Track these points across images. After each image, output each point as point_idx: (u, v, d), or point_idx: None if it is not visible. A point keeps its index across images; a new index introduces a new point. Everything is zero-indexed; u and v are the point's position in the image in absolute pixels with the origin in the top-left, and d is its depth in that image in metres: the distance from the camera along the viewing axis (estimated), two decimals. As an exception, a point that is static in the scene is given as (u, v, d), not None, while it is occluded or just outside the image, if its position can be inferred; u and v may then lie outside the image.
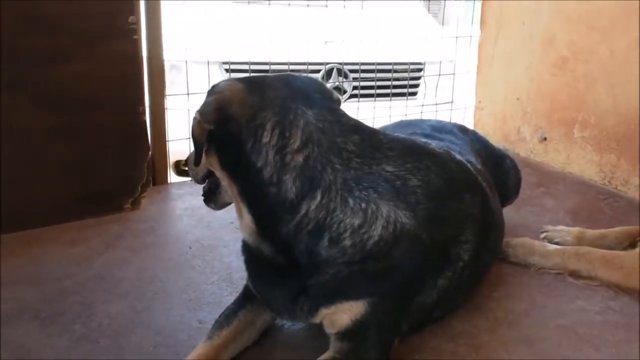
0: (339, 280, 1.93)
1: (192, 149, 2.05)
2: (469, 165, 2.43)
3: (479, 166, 2.59)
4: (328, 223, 1.90)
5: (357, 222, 1.92)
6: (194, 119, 1.94)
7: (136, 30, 3.20)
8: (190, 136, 2.00)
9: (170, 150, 3.73)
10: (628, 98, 3.69)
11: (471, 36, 5.02)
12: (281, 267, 1.99)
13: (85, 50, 3.07)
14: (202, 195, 2.30)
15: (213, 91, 2.01)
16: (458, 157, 2.40)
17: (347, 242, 1.91)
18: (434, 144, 2.40)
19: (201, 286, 2.60)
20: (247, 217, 1.99)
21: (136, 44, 3.24)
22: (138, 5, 3.29)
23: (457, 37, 5.09)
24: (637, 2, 3.55)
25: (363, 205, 1.93)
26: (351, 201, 1.92)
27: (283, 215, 1.91)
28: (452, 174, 2.23)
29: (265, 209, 1.94)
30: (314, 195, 1.90)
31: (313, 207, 1.90)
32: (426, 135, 2.68)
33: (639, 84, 3.57)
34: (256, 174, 1.90)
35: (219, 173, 2.05)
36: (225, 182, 2.04)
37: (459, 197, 2.22)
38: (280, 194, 1.89)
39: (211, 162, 2.03)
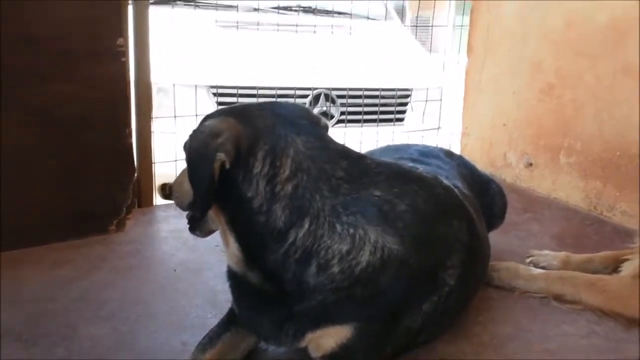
0: (326, 306, 1.93)
1: (178, 173, 2.04)
2: (455, 190, 2.43)
3: (465, 191, 2.59)
4: (316, 250, 1.90)
5: (345, 248, 1.91)
6: (217, 160, 1.85)
7: (124, 53, 3.20)
8: (196, 178, 1.90)
9: (156, 173, 3.71)
10: (614, 124, 3.72)
11: (458, 62, 5.06)
12: (267, 294, 1.97)
13: (73, 71, 3.06)
14: (188, 224, 2.26)
15: (211, 128, 1.92)
16: (445, 182, 2.40)
17: (335, 269, 1.91)
18: (421, 168, 2.41)
19: (185, 309, 2.58)
20: (234, 246, 1.96)
21: (124, 66, 3.24)
22: (126, 28, 3.29)
23: (444, 64, 5.14)
24: (623, 29, 3.60)
25: (351, 230, 1.92)
26: (339, 227, 1.92)
27: (271, 243, 1.90)
28: (439, 198, 2.23)
29: (253, 237, 1.92)
30: (301, 224, 1.89)
31: (301, 235, 1.89)
32: (413, 160, 2.69)
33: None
34: (246, 204, 1.88)
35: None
36: (212, 211, 2.00)
37: (446, 222, 2.21)
38: (269, 223, 1.88)
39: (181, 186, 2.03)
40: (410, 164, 2.48)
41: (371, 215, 1.97)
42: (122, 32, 3.19)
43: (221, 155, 1.84)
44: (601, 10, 3.75)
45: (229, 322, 2.20)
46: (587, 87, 3.89)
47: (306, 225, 1.90)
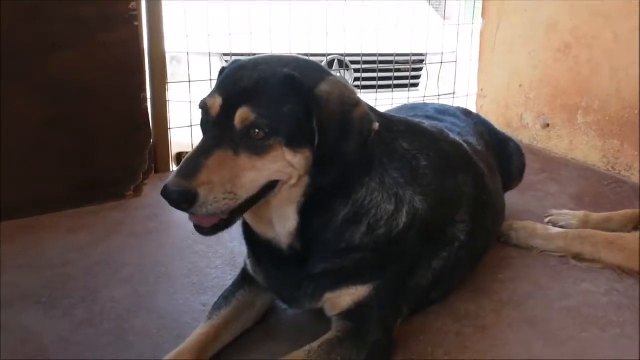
0: (351, 266, 1.93)
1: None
2: (464, 145, 2.43)
3: (478, 147, 2.59)
4: (367, 207, 1.90)
5: (391, 208, 1.93)
6: (373, 131, 1.81)
7: (137, 17, 3.19)
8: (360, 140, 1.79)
9: (172, 142, 3.72)
10: (631, 83, 3.67)
11: (472, 30, 5.01)
12: (291, 255, 1.95)
13: (85, 38, 3.06)
14: (212, 229, 1.79)
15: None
16: (452, 136, 2.40)
17: (381, 230, 1.92)
18: (426, 123, 2.40)
19: (204, 270, 2.60)
20: (292, 221, 1.87)
21: (137, 31, 3.22)
22: (138, -7, 3.27)
23: (458, 26, 5.09)
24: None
25: (395, 190, 1.94)
26: (388, 182, 1.93)
27: (337, 204, 1.88)
28: (446, 153, 2.24)
29: (322, 202, 1.86)
30: (364, 180, 1.90)
31: (362, 191, 1.90)
32: (429, 117, 2.68)
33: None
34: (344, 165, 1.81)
35: (290, 169, 1.77)
36: (294, 180, 1.79)
37: (454, 177, 2.23)
38: (347, 182, 1.87)
39: (294, 158, 1.74)
40: (424, 121, 2.46)
41: (405, 172, 1.99)
42: (134, -4, 3.16)
43: (375, 126, 1.83)
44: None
45: (243, 280, 2.21)
46: (604, 46, 3.85)
47: (367, 180, 1.90)
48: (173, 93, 3.73)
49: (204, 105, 1.77)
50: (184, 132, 3.71)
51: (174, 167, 3.73)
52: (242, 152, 1.68)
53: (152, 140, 3.44)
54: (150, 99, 3.50)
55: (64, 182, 3.12)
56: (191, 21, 4.49)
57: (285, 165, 1.73)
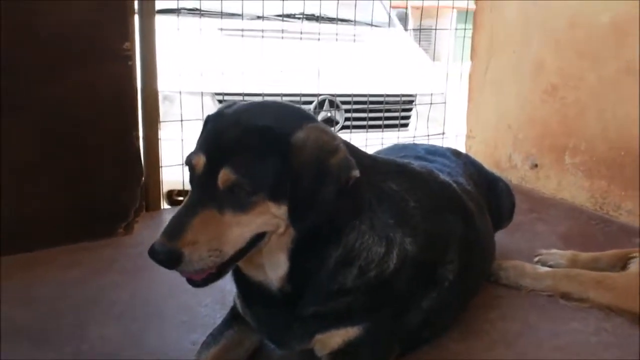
0: (344, 308, 1.94)
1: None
2: (454, 185, 2.45)
3: (468, 187, 2.60)
4: (359, 250, 1.91)
5: (382, 250, 1.94)
6: (351, 177, 1.80)
7: (131, 57, 3.22)
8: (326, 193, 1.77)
9: (163, 180, 3.73)
10: (618, 124, 3.74)
11: (461, 72, 5.09)
12: (281, 297, 1.95)
13: (77, 71, 3.07)
14: (203, 281, 1.83)
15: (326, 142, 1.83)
16: (441, 176, 2.43)
17: (373, 273, 1.93)
18: (415, 163, 2.43)
19: (194, 308, 2.60)
20: (283, 267, 1.87)
21: (131, 69, 3.26)
22: (133, 33, 3.31)
23: (447, 67, 5.16)
24: (625, 29, 3.62)
25: (385, 232, 1.96)
26: (378, 225, 1.95)
27: (329, 248, 1.89)
28: (435, 194, 2.27)
29: (312, 246, 1.87)
30: (354, 223, 1.91)
31: (353, 235, 1.91)
32: (419, 157, 2.71)
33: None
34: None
35: (276, 221, 1.77)
36: (281, 230, 1.80)
37: (442, 217, 2.24)
38: (337, 225, 1.89)
39: (279, 210, 1.75)
40: (413, 161, 2.49)
41: (394, 214, 2.00)
42: (128, 36, 3.20)
43: (355, 173, 1.82)
44: (603, 11, 3.77)
45: (232, 319, 2.21)
46: (590, 87, 3.91)
47: (357, 223, 1.91)
48: (165, 132, 3.75)
49: (189, 163, 1.78)
50: (176, 171, 3.72)
51: (165, 205, 3.75)
52: (227, 209, 1.70)
53: (143, 178, 3.44)
54: (142, 137, 3.51)
55: (58, 217, 3.13)
56: (183, 61, 4.55)
57: (271, 217, 1.75)
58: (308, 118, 1.87)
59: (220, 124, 1.82)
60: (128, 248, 3.18)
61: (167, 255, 1.66)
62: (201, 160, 1.73)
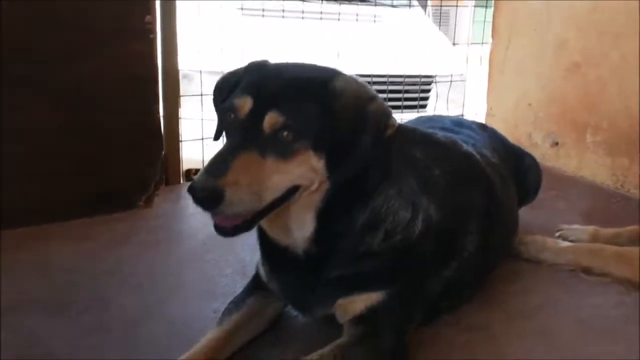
0: (368, 272, 1.94)
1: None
2: (477, 156, 2.45)
3: (493, 160, 2.60)
4: (385, 213, 1.91)
5: (408, 215, 1.95)
6: (389, 125, 1.81)
7: (152, 30, 3.22)
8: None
9: (183, 157, 3.75)
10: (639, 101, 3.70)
11: (481, 54, 5.07)
12: (306, 261, 1.95)
13: (100, 49, 3.08)
14: (232, 230, 1.77)
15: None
16: (465, 147, 2.43)
17: (398, 237, 1.94)
18: (440, 134, 2.42)
19: (215, 279, 2.61)
20: (310, 227, 1.87)
21: (152, 43, 3.26)
22: (154, 5, 3.31)
23: (468, 48, 5.12)
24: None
25: (411, 197, 1.96)
26: (405, 190, 1.95)
27: (355, 210, 1.89)
28: (458, 164, 2.28)
29: (341, 206, 1.87)
30: (383, 186, 1.92)
31: (381, 198, 1.91)
32: (445, 129, 2.70)
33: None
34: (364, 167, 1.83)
35: (313, 174, 1.77)
36: (315, 186, 1.79)
37: (465, 188, 2.25)
38: (368, 186, 1.89)
39: (318, 163, 1.74)
40: (438, 132, 2.48)
41: (420, 181, 2.01)
42: (149, 10, 3.20)
43: (393, 121, 1.84)
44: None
45: (254, 287, 2.21)
46: (612, 65, 3.88)
47: (385, 187, 1.92)
48: (183, 110, 3.76)
49: (231, 106, 1.76)
50: (194, 149, 3.75)
51: (184, 178, 3.77)
52: (269, 155, 1.68)
53: (163, 153, 3.45)
54: (163, 112, 3.53)
55: (76, 191, 3.13)
56: (203, 40, 4.55)
57: (309, 169, 1.74)
58: (342, 72, 1.89)
59: (265, 72, 1.85)
60: (147, 220, 3.20)
61: (209, 193, 1.61)
62: (248, 102, 1.73)
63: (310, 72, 1.85)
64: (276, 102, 1.71)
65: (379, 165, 1.88)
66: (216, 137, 2.01)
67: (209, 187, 1.60)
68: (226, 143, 1.75)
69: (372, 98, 1.83)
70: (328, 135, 1.71)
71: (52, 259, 2.75)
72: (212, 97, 2.04)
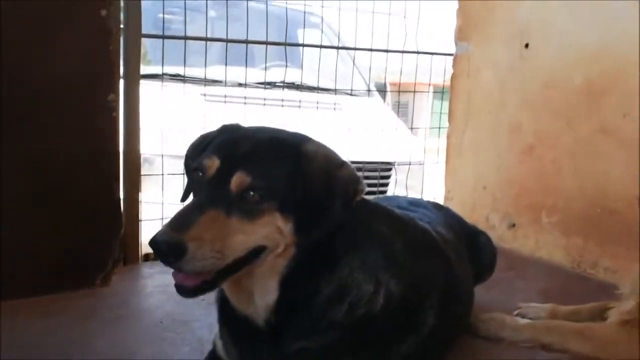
0: (330, 345, 1.92)
1: None
2: (433, 232, 2.48)
3: (448, 237, 2.63)
4: (350, 286, 1.91)
5: (371, 289, 1.94)
6: (358, 191, 1.86)
7: (115, 108, 3.24)
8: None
9: (142, 239, 3.72)
10: (594, 182, 3.80)
11: (438, 144, 5.20)
12: (267, 331, 1.93)
13: (67, 124, 3.10)
14: (193, 290, 1.75)
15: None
16: (421, 224, 2.46)
17: (361, 311, 1.93)
18: (397, 210, 2.45)
19: (172, 357, 2.56)
20: (273, 294, 1.87)
21: (115, 121, 3.27)
22: (118, 85, 3.34)
23: (424, 147, 5.23)
24: (599, 90, 3.72)
25: (374, 271, 1.96)
26: (368, 263, 1.96)
27: (322, 283, 1.89)
28: (417, 238, 2.31)
29: (306, 273, 1.87)
30: (350, 257, 1.93)
31: (347, 268, 1.91)
32: (401, 208, 2.72)
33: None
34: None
35: (279, 236, 1.78)
36: (280, 249, 1.80)
37: (424, 262, 2.26)
38: (334, 252, 1.91)
39: (285, 225, 1.76)
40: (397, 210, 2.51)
41: (383, 254, 2.02)
42: (113, 88, 3.23)
43: (363, 187, 1.88)
44: (577, 73, 3.88)
45: None
46: (566, 146, 3.99)
47: (349, 259, 1.92)
48: (144, 195, 3.75)
49: (199, 165, 1.79)
50: (154, 231, 3.70)
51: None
52: (235, 214, 1.70)
53: (122, 231, 3.42)
54: (123, 191, 3.51)
55: (39, 266, 3.09)
56: (167, 125, 4.58)
57: (275, 230, 1.75)
58: (312, 138, 1.94)
59: (236, 133, 1.90)
60: (108, 297, 3.15)
61: (171, 247, 1.60)
62: (216, 162, 1.76)
63: (281, 135, 1.90)
64: (244, 162, 1.74)
65: (346, 233, 1.89)
66: (183, 199, 2.01)
67: (171, 241, 1.60)
68: (192, 201, 1.76)
69: (343, 164, 1.87)
70: (297, 198, 1.73)
71: (16, 335, 2.68)
72: (183, 159, 2.08)
